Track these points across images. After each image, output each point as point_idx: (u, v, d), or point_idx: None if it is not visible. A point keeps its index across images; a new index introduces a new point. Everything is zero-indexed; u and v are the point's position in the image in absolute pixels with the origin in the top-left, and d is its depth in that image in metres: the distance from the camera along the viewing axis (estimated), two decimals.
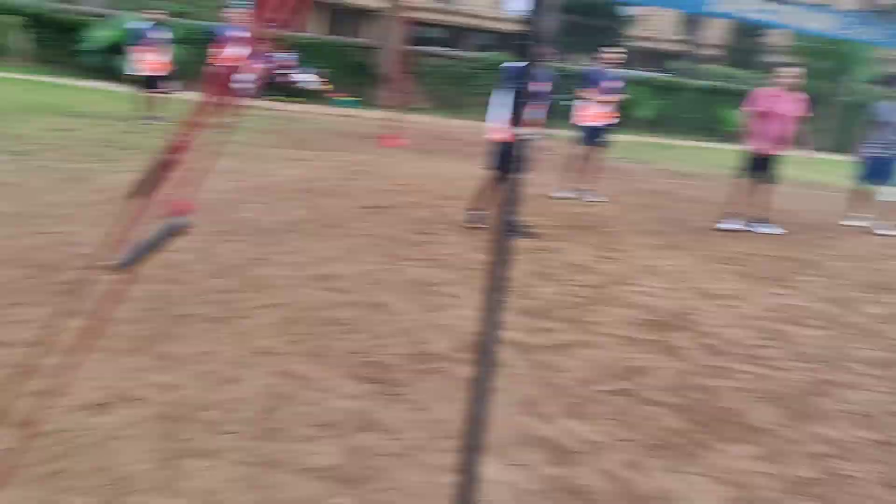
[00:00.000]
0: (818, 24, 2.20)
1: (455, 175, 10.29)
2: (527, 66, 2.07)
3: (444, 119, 20.18)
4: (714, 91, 24.67)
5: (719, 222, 9.10)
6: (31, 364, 2.58)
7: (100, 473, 2.72)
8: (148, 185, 2.19)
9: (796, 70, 9.00)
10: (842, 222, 10.25)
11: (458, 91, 21.75)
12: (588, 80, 9.94)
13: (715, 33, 39.96)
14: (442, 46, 32.28)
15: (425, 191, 9.17)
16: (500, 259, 2.17)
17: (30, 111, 11.61)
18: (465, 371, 3.91)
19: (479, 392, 2.22)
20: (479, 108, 22.25)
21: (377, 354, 4.08)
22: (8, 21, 17.63)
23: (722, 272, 6.83)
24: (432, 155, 12.82)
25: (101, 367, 3.53)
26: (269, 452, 2.98)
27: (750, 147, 9.03)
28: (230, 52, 12.72)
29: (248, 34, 12.59)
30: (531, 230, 7.28)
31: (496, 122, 7.00)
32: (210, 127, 2.11)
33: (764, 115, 8.92)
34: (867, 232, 9.80)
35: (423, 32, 40.45)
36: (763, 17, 2.12)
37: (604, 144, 10.01)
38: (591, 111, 9.91)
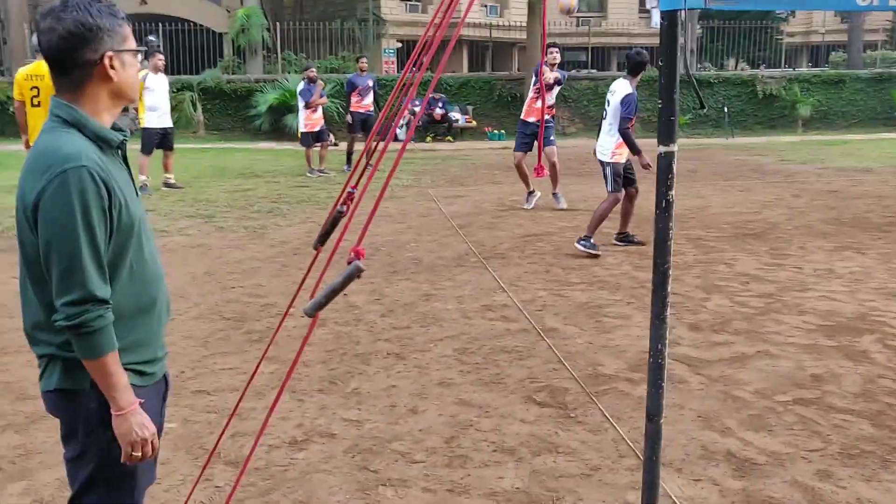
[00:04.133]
0: None
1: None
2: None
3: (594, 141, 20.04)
4: (881, 79, 23.13)
5: None
6: (235, 407, 2.86)
7: None
8: (326, 235, 2.40)
9: None
10: None
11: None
12: None
13: (877, 17, 37.55)
14: (586, 68, 32.20)
15: (581, 215, 9.17)
16: (660, 274, 2.22)
17: (210, 176, 12.61)
18: (640, 390, 3.95)
19: (654, 408, 2.26)
20: (636, 125, 22.03)
21: (550, 379, 4.16)
22: (184, 96, 19.23)
23: None
24: (582, 177, 12.80)
25: (297, 406, 3.83)
26: (455, 479, 3.13)
27: None
28: (363, 100, 13.39)
29: (372, 81, 13.29)
30: (636, 239, 7.50)
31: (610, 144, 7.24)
32: (371, 173, 2.30)
33: None
34: None
35: (566, 57, 40.57)
36: None
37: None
38: None
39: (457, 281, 6.17)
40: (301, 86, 12.80)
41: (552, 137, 9.56)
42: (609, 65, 39.53)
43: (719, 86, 22.70)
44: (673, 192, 2.14)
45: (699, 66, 28.97)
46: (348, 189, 2.40)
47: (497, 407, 3.81)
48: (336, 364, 4.41)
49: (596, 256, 6.93)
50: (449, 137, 19.59)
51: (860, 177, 12.65)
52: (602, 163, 7.34)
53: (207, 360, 4.52)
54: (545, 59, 9.15)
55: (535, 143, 9.07)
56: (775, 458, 3.27)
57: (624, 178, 7.34)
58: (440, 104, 19.88)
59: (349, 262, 1.97)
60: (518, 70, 26.23)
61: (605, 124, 7.33)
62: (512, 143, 10.16)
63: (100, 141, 1.84)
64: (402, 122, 20.10)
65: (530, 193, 9.59)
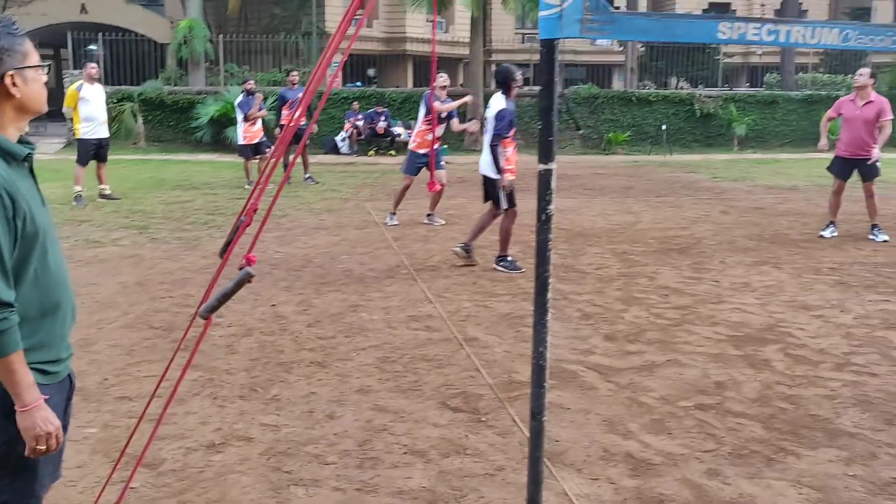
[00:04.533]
0: (827, 39, 2.35)
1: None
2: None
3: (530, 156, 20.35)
4: (812, 100, 24.00)
5: (821, 231, 8.99)
6: (154, 413, 2.93)
7: None
8: (229, 244, 2.52)
9: (866, 70, 8.88)
10: None
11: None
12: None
13: None
14: (528, 85, 32.55)
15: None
16: (541, 282, 2.37)
17: (148, 188, 12.55)
18: (550, 395, 4.11)
19: (536, 408, 2.41)
20: (570, 143, 22.40)
21: (466, 385, 4.31)
22: (125, 107, 19.07)
23: (817, 283, 6.74)
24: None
25: (217, 412, 3.91)
26: (365, 479, 3.25)
27: (837, 153, 8.94)
28: (292, 114, 13.47)
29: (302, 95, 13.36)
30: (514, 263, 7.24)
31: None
32: (280, 185, 2.43)
33: (845, 121, 8.85)
34: None
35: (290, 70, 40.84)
36: (770, 38, 2.29)
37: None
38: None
39: (386, 292, 6.30)
40: (240, 98, 12.83)
41: (442, 162, 9.69)
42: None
43: (658, 104, 23.29)
44: (553, 207, 2.31)
45: (639, 84, 29.63)
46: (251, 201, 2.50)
47: (412, 412, 3.94)
48: (259, 372, 4.49)
49: (519, 270, 7.10)
50: (392, 151, 19.73)
51: (786, 195, 13.14)
52: (485, 178, 7.17)
53: (132, 367, 4.57)
54: (434, 84, 9.30)
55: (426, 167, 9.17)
56: (670, 459, 3.46)
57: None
58: (383, 118, 20.02)
59: (240, 269, 2.09)
60: (462, 86, 26.48)
61: (485, 139, 7.23)
62: (454, 158, 10.35)
63: (5, 154, 1.94)
64: (344, 135, 20.23)
65: (393, 214, 9.63)
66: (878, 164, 8.85)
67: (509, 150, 7.06)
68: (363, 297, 6.16)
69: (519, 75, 7.23)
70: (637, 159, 20.31)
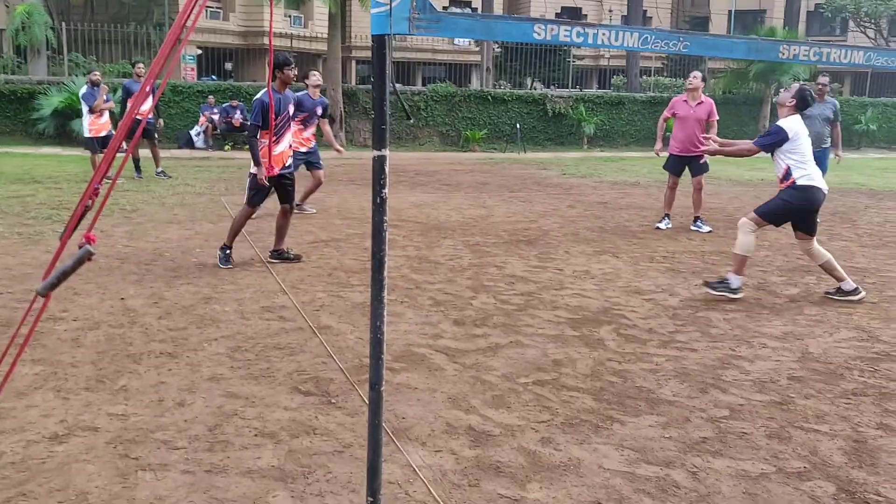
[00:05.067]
0: (628, 42, 2.63)
1: (399, 205, 10.69)
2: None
3: (395, 152, 20.60)
4: (655, 102, 25.43)
5: (657, 223, 9.64)
6: None
7: (60, 493, 3.03)
8: (73, 227, 2.54)
9: (698, 74, 9.63)
10: None
11: (409, 124, 22.25)
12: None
13: None
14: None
15: (369, 222, 9.55)
16: (377, 261, 2.52)
17: None
18: (400, 377, 4.30)
19: (375, 378, 2.57)
20: (430, 140, 22.80)
21: (318, 371, 4.43)
22: None
23: (651, 270, 7.27)
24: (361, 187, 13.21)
25: (61, 404, 3.85)
26: (215, 461, 3.31)
27: (671, 151, 9.63)
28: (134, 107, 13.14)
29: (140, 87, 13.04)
30: (289, 254, 7.24)
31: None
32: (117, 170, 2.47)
33: (679, 120, 9.55)
34: (827, 229, 10.18)
35: (368, 70, 41.14)
36: (579, 40, 2.55)
37: None
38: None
39: (239, 284, 6.30)
40: (84, 90, 12.36)
41: (320, 162, 9.91)
42: (414, 79, 40.49)
43: (513, 103, 24.04)
44: (386, 191, 2.46)
45: (495, 83, 30.41)
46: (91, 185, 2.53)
47: (263, 397, 4.02)
48: (106, 364, 4.44)
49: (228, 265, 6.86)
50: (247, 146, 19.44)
51: (629, 190, 13.94)
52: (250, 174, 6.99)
53: None
54: (308, 81, 9.55)
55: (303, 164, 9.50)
56: (508, 430, 3.71)
57: (281, 193, 7.08)
58: (238, 111, 19.69)
59: (80, 247, 2.14)
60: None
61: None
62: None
63: None
64: (199, 129, 19.74)
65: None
66: (706, 161, 9.60)
67: (265, 142, 6.73)
68: (216, 289, 6.15)
69: (290, 66, 6.86)
70: (493, 156, 20.91)
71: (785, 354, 4.95)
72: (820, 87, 10.00)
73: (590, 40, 2.51)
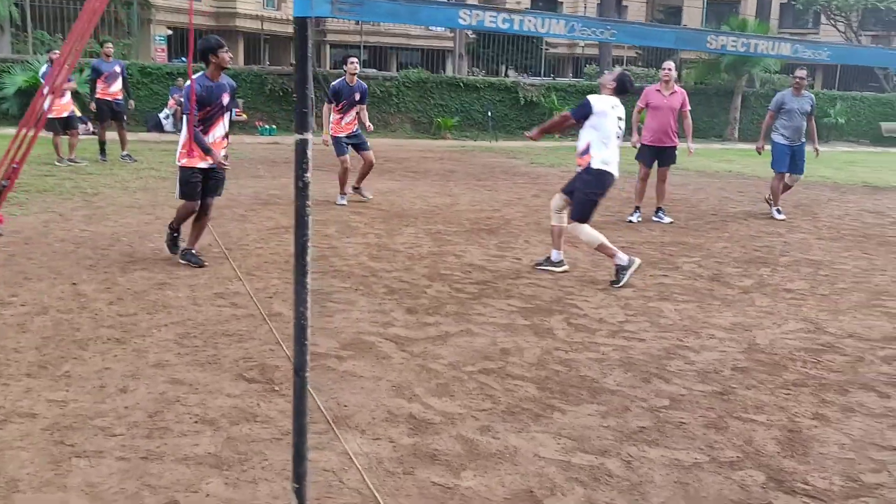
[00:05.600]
0: (554, 29, 2.64)
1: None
2: None
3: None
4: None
5: (629, 217, 9.66)
6: None
7: None
8: None
9: (672, 64, 9.67)
10: (773, 214, 10.32)
11: (380, 110, 22.16)
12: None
13: None
14: (366, 67, 32.44)
15: (333, 208, 9.55)
16: (300, 246, 2.51)
17: None
18: (346, 365, 4.31)
19: (299, 364, 2.58)
20: (401, 126, 22.72)
21: (265, 358, 4.43)
22: None
23: (609, 260, 7.29)
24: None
25: (0, 390, 3.83)
26: (151, 448, 3.31)
27: (644, 141, 9.65)
28: (110, 87, 13.01)
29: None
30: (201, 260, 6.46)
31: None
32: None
33: (652, 110, 9.59)
34: (770, 217, 10.27)
35: (343, 54, 40.96)
36: (505, 26, 2.55)
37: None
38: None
39: (194, 270, 6.27)
40: (44, 69, 12.19)
41: (366, 143, 10.31)
42: (389, 65, 40.37)
43: (485, 90, 24.00)
44: (309, 175, 2.45)
45: (470, 70, 30.34)
46: (13, 165, 2.51)
47: (207, 384, 4.02)
48: (51, 349, 4.41)
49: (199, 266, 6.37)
50: None
51: None
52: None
53: None
54: (346, 67, 10.00)
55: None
56: (448, 418, 3.74)
57: (207, 187, 6.45)
58: (176, 92, 19.45)
59: None
60: (292, 64, 26.14)
61: None
62: (282, 138, 10.33)
63: None
64: (168, 111, 19.54)
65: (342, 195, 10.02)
66: (675, 152, 9.68)
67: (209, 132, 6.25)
68: (171, 275, 6.11)
69: (223, 49, 6.15)
70: (464, 144, 20.90)
71: (731, 345, 5.02)
72: (797, 80, 10.10)
73: (515, 27, 2.51)
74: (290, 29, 29.91)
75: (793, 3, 39.18)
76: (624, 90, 6.55)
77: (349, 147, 9.99)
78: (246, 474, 3.13)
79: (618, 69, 6.83)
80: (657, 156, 9.67)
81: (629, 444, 3.54)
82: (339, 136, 9.93)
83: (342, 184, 10.00)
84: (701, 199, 11.83)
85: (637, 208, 9.73)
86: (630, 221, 9.54)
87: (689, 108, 9.65)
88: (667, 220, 9.56)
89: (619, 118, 6.50)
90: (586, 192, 6.49)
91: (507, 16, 2.48)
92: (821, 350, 5.01)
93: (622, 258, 6.43)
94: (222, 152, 6.40)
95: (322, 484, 3.07)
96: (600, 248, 6.51)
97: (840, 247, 8.49)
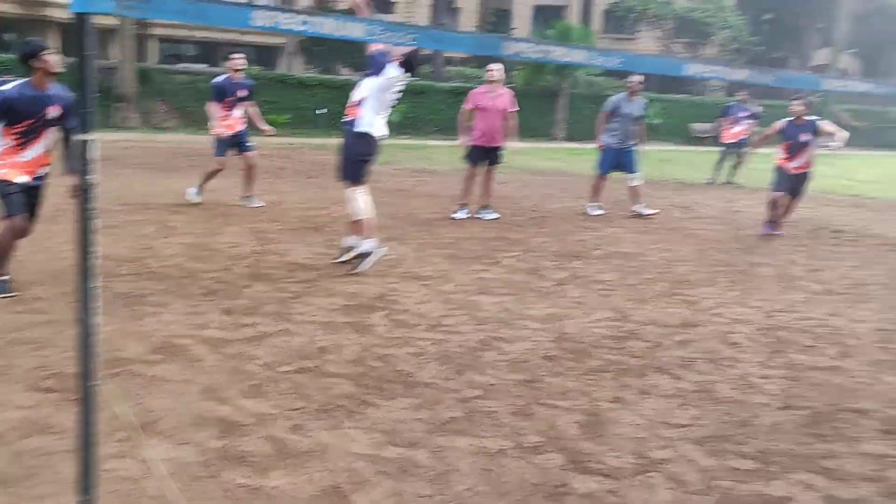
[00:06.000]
0: (354, 31, 2.65)
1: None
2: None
3: (193, 136, 19.80)
4: (458, 92, 26.05)
5: (453, 213, 9.81)
6: None
7: None
8: None
9: (500, 66, 9.96)
10: (587, 211, 10.77)
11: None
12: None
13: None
14: (193, 63, 31.41)
15: (151, 209, 9.16)
16: (83, 250, 2.39)
17: None
18: (154, 370, 4.15)
19: (86, 374, 2.45)
20: None
21: (64, 366, 4.17)
22: None
23: (434, 257, 7.44)
24: (167, 172, 12.73)
25: None
26: None
27: (471, 141, 9.86)
28: None
29: None
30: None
31: None
32: None
33: (480, 111, 9.81)
34: (606, 217, 10.69)
35: (171, 49, 39.38)
36: (306, 29, 2.54)
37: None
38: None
39: None
40: None
41: (249, 144, 10.16)
42: (219, 60, 39.10)
43: (317, 88, 23.81)
44: (92, 177, 2.34)
45: (306, 68, 29.95)
46: None
47: None
48: None
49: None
50: None
51: (426, 178, 14.21)
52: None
53: None
54: (229, 64, 9.75)
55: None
56: (259, 419, 3.68)
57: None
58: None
59: None
60: (109, 59, 24.84)
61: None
62: (102, 134, 9.74)
63: None
64: None
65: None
66: (503, 151, 9.97)
67: (10, 143, 5.42)
68: None
69: (47, 52, 5.29)
70: (294, 142, 20.60)
71: (543, 335, 5.23)
72: (632, 85, 10.66)
73: (311, 30, 2.51)
74: (108, 20, 28.38)
75: (614, 11, 41.24)
76: (411, 68, 6.68)
77: (229, 149, 9.90)
78: (32, 490, 2.94)
79: (415, 45, 6.82)
80: (486, 156, 9.92)
81: (438, 435, 3.61)
82: (224, 135, 9.77)
83: (205, 180, 9.84)
84: (524, 195, 12.26)
85: (463, 205, 9.93)
86: (453, 218, 9.72)
87: (515, 108, 9.95)
88: (492, 216, 9.82)
89: (399, 92, 6.81)
90: (352, 152, 6.79)
91: (305, 17, 2.46)
92: (624, 337, 5.31)
93: (369, 246, 6.59)
94: (41, 171, 5.66)
95: (120, 493, 2.95)
96: (357, 224, 6.66)
97: (649, 240, 9.04)
